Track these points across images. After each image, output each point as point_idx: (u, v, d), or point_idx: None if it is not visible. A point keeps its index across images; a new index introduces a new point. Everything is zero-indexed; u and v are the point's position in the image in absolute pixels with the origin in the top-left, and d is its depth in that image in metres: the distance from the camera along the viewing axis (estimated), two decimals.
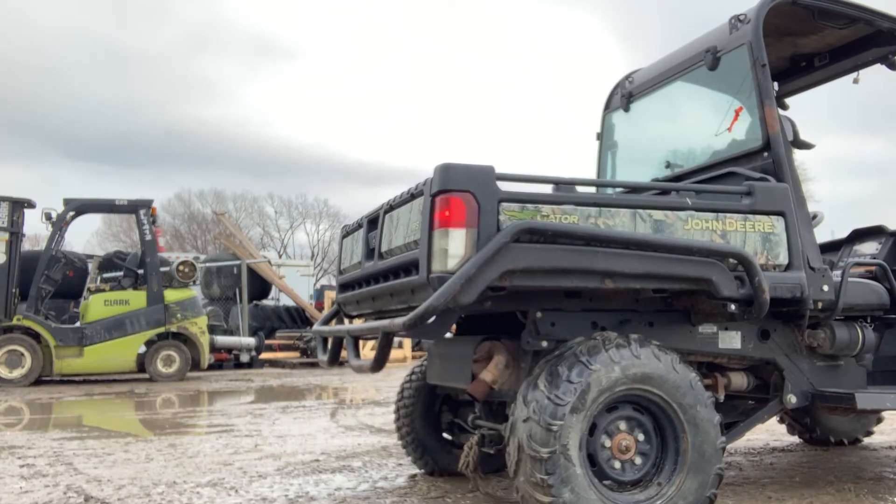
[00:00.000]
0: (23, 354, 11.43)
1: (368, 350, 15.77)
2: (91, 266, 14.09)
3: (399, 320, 2.95)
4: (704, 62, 4.08)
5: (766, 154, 3.75)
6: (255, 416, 7.60)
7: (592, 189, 4.43)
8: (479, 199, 2.92)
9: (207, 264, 19.07)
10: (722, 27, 4.06)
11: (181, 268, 12.74)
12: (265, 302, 19.59)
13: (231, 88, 66.87)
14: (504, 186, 3.03)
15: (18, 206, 11.92)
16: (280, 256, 44.37)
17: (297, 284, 20.56)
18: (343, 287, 4.18)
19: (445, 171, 2.95)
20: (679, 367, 3.10)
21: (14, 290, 11.68)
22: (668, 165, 4.52)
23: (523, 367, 3.35)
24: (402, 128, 73.02)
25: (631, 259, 3.03)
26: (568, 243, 2.97)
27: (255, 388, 11.14)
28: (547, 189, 3.30)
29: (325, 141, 69.22)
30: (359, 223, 3.94)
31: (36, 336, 11.61)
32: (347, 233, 4.23)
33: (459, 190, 2.91)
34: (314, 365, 15.20)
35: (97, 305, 12.15)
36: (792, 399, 3.61)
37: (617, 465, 3.09)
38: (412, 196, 3.19)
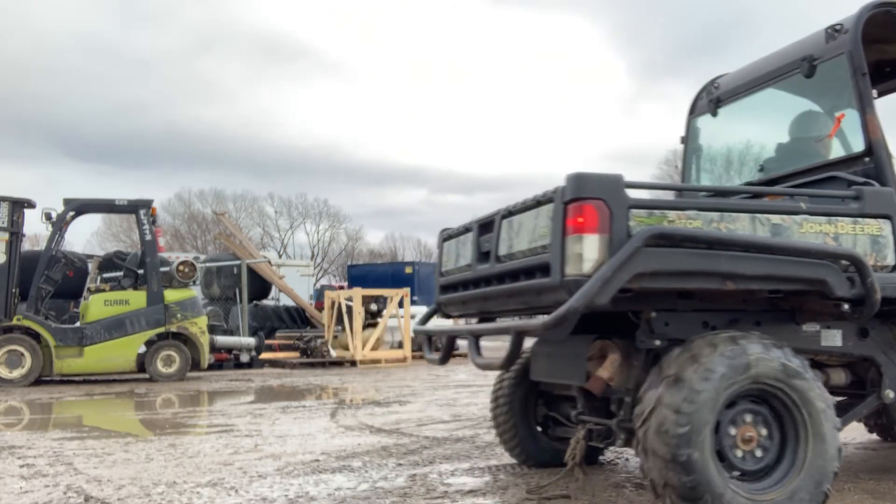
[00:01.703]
0: (23, 354, 11.41)
1: (368, 350, 15.64)
2: (91, 266, 14.09)
3: (538, 321, 3.10)
4: (801, 70, 4.22)
5: (867, 159, 3.88)
6: (255, 416, 7.60)
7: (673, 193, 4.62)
8: (610, 206, 3.07)
9: (207, 264, 19.07)
10: (816, 36, 4.20)
11: (181, 268, 12.73)
12: (265, 302, 19.59)
13: (233, 89, 66.92)
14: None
15: (18, 206, 11.91)
16: (280, 256, 44.35)
17: (297, 284, 20.56)
18: (445, 288, 4.33)
19: (578, 179, 3.10)
20: (821, 386, 3.28)
21: (14, 290, 11.67)
22: (762, 169, 4.65)
23: (635, 364, 3.50)
24: (403, 128, 73.00)
25: (752, 261, 3.17)
26: (692, 247, 3.12)
27: (255, 388, 11.14)
28: (662, 195, 3.45)
29: (325, 141, 69.28)
30: (466, 227, 4.09)
31: (36, 336, 11.59)
32: (450, 236, 4.36)
33: (592, 197, 3.06)
34: (314, 365, 15.20)
35: (97, 305, 12.13)
36: (890, 394, 3.73)
37: (739, 453, 3.20)
38: (538, 203, 3.32)
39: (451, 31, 76.22)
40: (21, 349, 11.42)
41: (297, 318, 18.76)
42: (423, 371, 13.77)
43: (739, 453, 3.20)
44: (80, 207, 12.51)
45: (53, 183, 61.64)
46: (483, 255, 3.83)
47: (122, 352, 12.04)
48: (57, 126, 63.96)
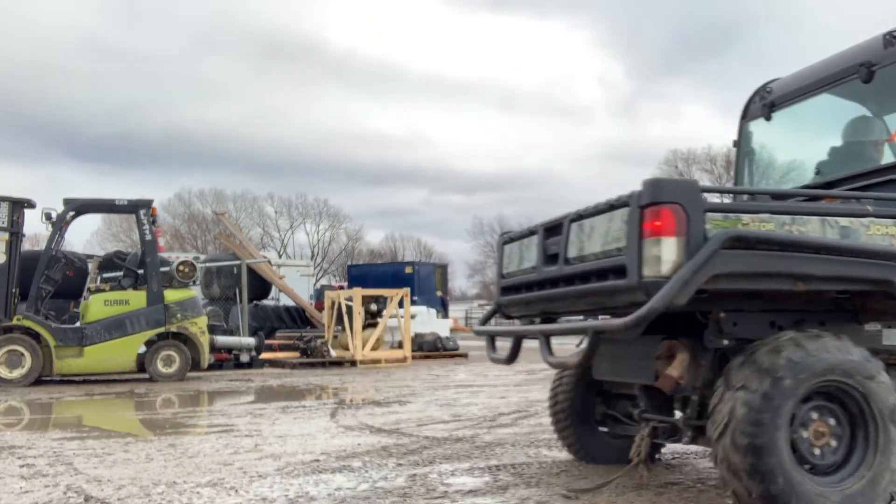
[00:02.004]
0: (23, 354, 11.40)
1: (368, 350, 15.66)
2: (91, 266, 14.06)
3: (618, 321, 3.20)
4: (858, 76, 4.31)
5: None
6: (255, 416, 7.60)
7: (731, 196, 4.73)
8: (687, 210, 3.19)
9: (207, 264, 19.05)
10: (873, 42, 4.28)
11: (181, 268, 12.72)
12: (265, 302, 19.57)
13: (233, 89, 66.92)
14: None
15: (18, 206, 11.89)
16: (280, 256, 44.36)
17: (297, 284, 20.55)
18: (507, 290, 4.45)
19: (655, 185, 3.24)
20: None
21: (14, 290, 11.65)
22: (819, 172, 4.73)
23: (702, 364, 3.61)
24: (401, 128, 72.97)
25: (823, 263, 3.31)
26: (766, 249, 3.24)
27: (255, 388, 11.13)
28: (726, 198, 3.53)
29: (325, 141, 69.27)
30: (531, 230, 4.19)
31: (36, 336, 11.58)
32: (511, 239, 4.47)
33: (669, 202, 3.18)
34: (314, 365, 15.20)
35: (97, 305, 12.12)
36: None
37: (805, 434, 3.28)
38: (612, 207, 3.44)
39: (452, 34, 76.22)
40: (21, 349, 11.41)
41: (297, 318, 18.74)
42: (423, 371, 13.78)
43: (805, 434, 3.27)
44: (80, 207, 12.49)
45: (54, 183, 61.71)
46: (550, 258, 3.94)
47: (122, 352, 12.02)
48: (57, 126, 64.01)
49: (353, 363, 15.21)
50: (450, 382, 11.26)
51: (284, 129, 68.87)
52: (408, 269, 27.59)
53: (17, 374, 11.34)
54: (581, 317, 4.28)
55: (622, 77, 71.93)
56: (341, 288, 21.92)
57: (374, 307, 16.08)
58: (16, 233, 11.80)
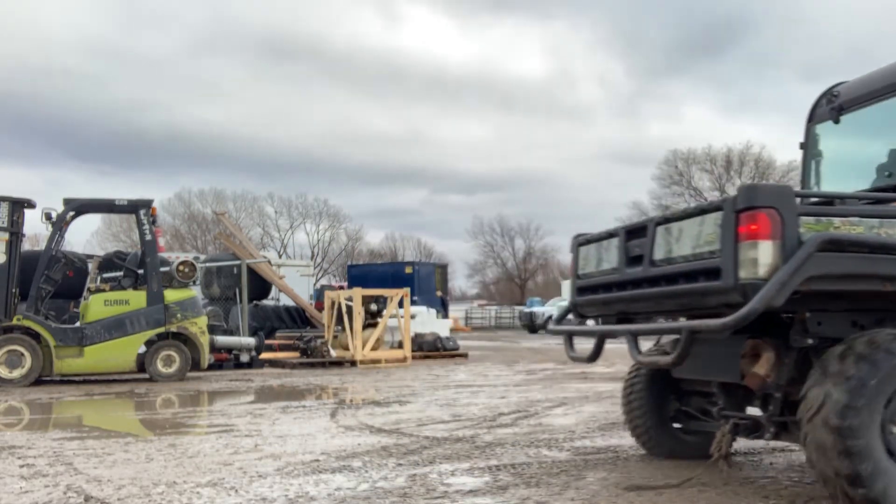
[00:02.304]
0: (23, 354, 11.38)
1: (368, 350, 15.63)
2: (91, 266, 14.05)
3: (717, 321, 3.29)
4: None
5: None
6: (255, 416, 7.60)
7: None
8: (782, 214, 3.30)
9: (207, 264, 19.04)
10: None
11: (181, 268, 12.71)
12: (265, 302, 19.56)
13: (233, 89, 66.96)
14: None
15: (18, 206, 11.87)
16: (280, 256, 44.39)
17: (297, 284, 20.54)
18: (583, 290, 4.53)
19: (751, 190, 3.37)
20: None
21: (14, 290, 11.64)
22: (890, 175, 4.79)
23: (786, 362, 3.71)
24: (401, 128, 73.00)
25: None
26: (856, 251, 3.35)
27: (255, 388, 11.13)
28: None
29: (325, 141, 69.31)
30: (610, 233, 4.27)
31: (36, 336, 11.56)
32: (588, 241, 4.55)
33: (765, 206, 3.29)
34: (314, 365, 15.20)
35: (97, 305, 12.10)
36: None
37: None
38: (703, 211, 3.57)
39: (452, 33, 76.26)
40: (21, 349, 11.39)
41: (297, 318, 18.73)
42: (423, 371, 13.78)
43: None
44: (80, 207, 12.48)
45: (54, 183, 61.75)
46: (632, 260, 4.01)
47: (122, 352, 12.01)
48: (58, 126, 64.05)
49: (353, 363, 15.20)
50: (450, 382, 11.26)
51: (284, 129, 69.00)
52: (408, 269, 27.63)
53: (17, 374, 11.33)
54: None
55: (622, 77, 72.04)
56: (341, 288, 21.92)
57: (374, 307, 16.07)
58: (16, 233, 11.79)
